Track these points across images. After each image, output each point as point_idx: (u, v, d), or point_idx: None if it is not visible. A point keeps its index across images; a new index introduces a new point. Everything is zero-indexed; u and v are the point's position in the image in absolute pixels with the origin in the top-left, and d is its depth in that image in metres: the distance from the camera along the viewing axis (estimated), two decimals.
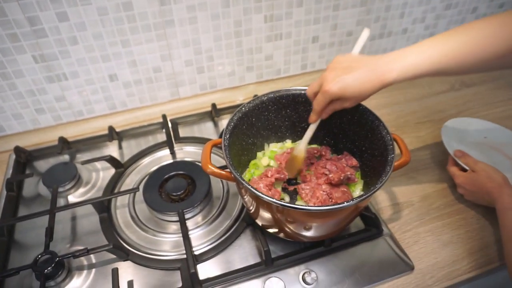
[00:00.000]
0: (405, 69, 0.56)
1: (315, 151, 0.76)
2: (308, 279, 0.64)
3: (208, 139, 0.92)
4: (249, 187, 0.56)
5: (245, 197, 0.64)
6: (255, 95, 0.99)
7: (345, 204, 0.54)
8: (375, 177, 0.66)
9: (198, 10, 0.86)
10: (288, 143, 0.80)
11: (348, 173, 0.68)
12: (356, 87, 0.57)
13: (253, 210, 0.64)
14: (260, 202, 0.59)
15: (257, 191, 0.55)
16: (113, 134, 0.90)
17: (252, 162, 0.76)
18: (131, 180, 0.83)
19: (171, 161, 0.87)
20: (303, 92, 0.73)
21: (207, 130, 0.97)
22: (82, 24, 0.80)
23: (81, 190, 0.82)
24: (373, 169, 0.68)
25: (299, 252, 0.68)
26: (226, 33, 0.92)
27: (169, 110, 0.99)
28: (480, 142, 0.91)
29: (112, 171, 0.84)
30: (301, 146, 0.69)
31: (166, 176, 0.80)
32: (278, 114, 0.76)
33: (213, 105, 0.97)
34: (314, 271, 0.65)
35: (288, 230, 0.63)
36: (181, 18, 0.86)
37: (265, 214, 0.62)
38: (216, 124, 0.98)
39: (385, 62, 0.57)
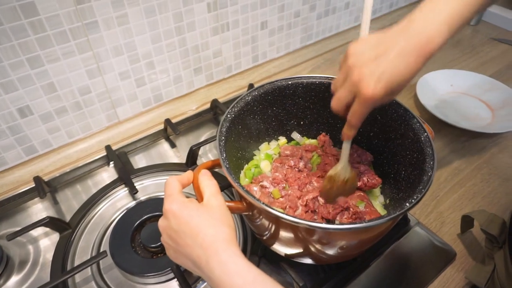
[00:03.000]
0: (447, 25, 0.41)
1: (308, 148, 0.64)
2: None
3: (171, 164, 0.74)
4: (287, 217, 0.41)
5: (258, 221, 0.49)
6: (214, 100, 0.84)
7: (402, 211, 0.43)
8: (396, 164, 0.57)
9: (127, 5, 0.67)
10: (282, 141, 0.66)
11: (374, 180, 0.57)
12: (401, 75, 0.42)
13: (270, 236, 0.50)
14: (299, 229, 0.45)
15: (298, 218, 0.41)
16: (42, 187, 0.66)
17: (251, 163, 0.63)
18: (86, 242, 0.61)
19: (134, 203, 0.67)
20: (290, 82, 0.60)
21: (165, 153, 0.78)
22: None
23: (14, 279, 0.57)
24: (391, 155, 0.59)
25: (333, 276, 0.56)
26: (166, 31, 0.74)
27: (110, 139, 0.78)
28: (448, 91, 0.92)
29: (56, 236, 0.61)
30: (344, 164, 0.53)
31: (136, 225, 0.61)
32: (264, 114, 0.62)
33: (168, 121, 0.78)
34: None
35: (322, 255, 0.50)
36: (106, 18, 0.66)
37: (296, 242, 0.48)
38: (173, 144, 0.80)
39: (419, 27, 0.42)
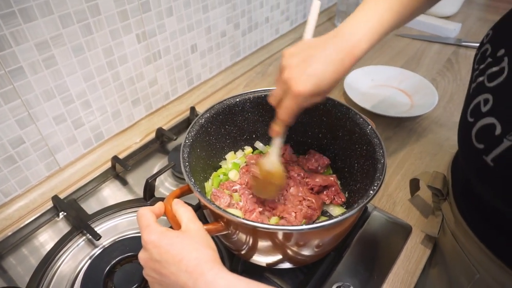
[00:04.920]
0: (372, 33, 0.49)
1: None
2: None
3: (128, 201, 0.71)
4: (269, 226, 0.43)
5: (235, 237, 0.50)
6: (159, 129, 0.83)
7: (368, 199, 0.47)
8: (348, 158, 0.62)
9: (53, 47, 0.63)
10: (247, 150, 0.69)
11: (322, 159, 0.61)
12: (329, 75, 0.47)
13: (248, 248, 0.51)
14: (277, 236, 0.47)
15: (277, 225, 0.43)
16: None
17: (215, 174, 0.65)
18: None
19: (97, 250, 0.63)
20: (238, 99, 0.63)
21: (118, 191, 0.75)
22: None
23: None
24: (342, 151, 0.63)
25: (313, 274, 0.58)
26: (98, 67, 0.72)
27: (54, 189, 0.72)
28: (371, 86, 1.01)
29: None
30: (274, 158, 0.55)
31: (106, 272, 0.57)
32: (218, 134, 0.63)
33: (115, 158, 0.75)
34: (340, 281, 0.57)
35: (301, 256, 0.53)
36: (32, 62, 0.62)
37: (275, 249, 0.50)
38: (124, 181, 0.77)
39: (347, 34, 0.49)
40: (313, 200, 0.56)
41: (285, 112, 0.50)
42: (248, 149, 0.68)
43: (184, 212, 0.45)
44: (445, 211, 0.60)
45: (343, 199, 0.61)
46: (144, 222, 0.43)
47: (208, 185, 0.62)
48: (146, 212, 0.44)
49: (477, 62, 0.48)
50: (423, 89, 0.96)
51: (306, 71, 0.47)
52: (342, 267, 0.59)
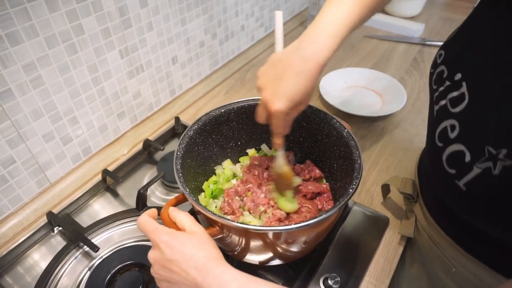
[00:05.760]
0: (332, 38, 0.50)
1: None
2: (331, 282, 0.60)
3: (121, 212, 0.73)
4: (259, 227, 0.47)
5: (228, 239, 0.54)
6: (146, 140, 0.86)
7: (349, 196, 0.51)
8: (328, 159, 0.67)
9: (39, 67, 0.65)
10: (252, 151, 0.73)
11: (315, 172, 0.66)
12: (300, 88, 0.50)
13: (242, 249, 0.55)
14: (267, 236, 0.51)
15: (267, 227, 0.47)
16: None
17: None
18: None
19: (96, 261, 0.65)
20: (223, 110, 0.66)
21: (110, 203, 0.77)
22: None
23: None
24: (322, 153, 0.68)
25: (303, 269, 0.63)
26: (84, 84, 0.74)
27: (46, 205, 0.74)
28: (344, 87, 1.07)
29: None
30: (280, 162, 0.60)
31: (107, 281, 0.60)
32: (205, 144, 0.67)
33: (106, 171, 0.77)
34: (328, 273, 0.62)
35: (290, 253, 0.57)
36: (20, 83, 0.63)
37: (264, 248, 0.54)
38: (115, 194, 0.79)
39: (308, 44, 0.51)
40: (310, 206, 0.60)
41: (275, 127, 0.54)
42: (252, 151, 0.73)
43: (184, 217, 0.49)
44: (417, 212, 0.65)
45: (318, 175, 0.67)
46: (150, 226, 0.47)
47: (201, 197, 0.66)
48: (147, 218, 0.48)
49: (435, 82, 0.51)
50: (392, 88, 1.03)
51: (277, 89, 0.50)
52: (328, 260, 0.64)
